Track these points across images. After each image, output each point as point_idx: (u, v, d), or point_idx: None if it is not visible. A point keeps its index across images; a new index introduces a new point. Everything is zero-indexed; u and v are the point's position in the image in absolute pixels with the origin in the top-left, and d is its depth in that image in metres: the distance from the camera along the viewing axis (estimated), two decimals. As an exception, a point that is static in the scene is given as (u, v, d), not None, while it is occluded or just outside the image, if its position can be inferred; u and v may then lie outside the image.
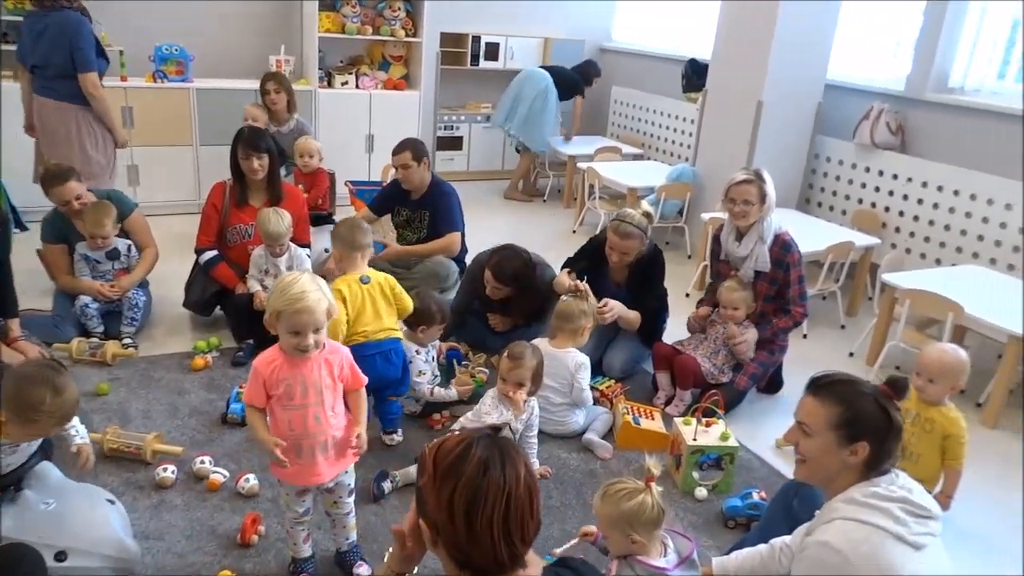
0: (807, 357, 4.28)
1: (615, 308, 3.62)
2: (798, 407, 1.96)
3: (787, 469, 3.19)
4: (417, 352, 3.29)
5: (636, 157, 7.18)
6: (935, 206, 4.89)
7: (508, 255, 3.81)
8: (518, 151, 7.30)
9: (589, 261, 3.85)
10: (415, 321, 3.30)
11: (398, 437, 3.18)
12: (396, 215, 4.76)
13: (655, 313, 3.89)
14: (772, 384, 3.84)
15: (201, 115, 5.72)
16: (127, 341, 3.77)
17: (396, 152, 4.47)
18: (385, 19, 6.49)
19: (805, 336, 4.54)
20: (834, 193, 5.59)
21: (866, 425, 1.83)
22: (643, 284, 3.79)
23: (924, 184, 4.95)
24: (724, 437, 2.99)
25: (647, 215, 3.63)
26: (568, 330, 3.33)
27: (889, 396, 1.86)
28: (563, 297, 3.47)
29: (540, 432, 3.26)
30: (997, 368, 3.71)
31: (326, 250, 4.88)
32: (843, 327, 4.76)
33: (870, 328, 4.30)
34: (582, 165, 6.32)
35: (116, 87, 5.47)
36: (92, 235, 3.77)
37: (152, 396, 3.40)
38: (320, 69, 6.31)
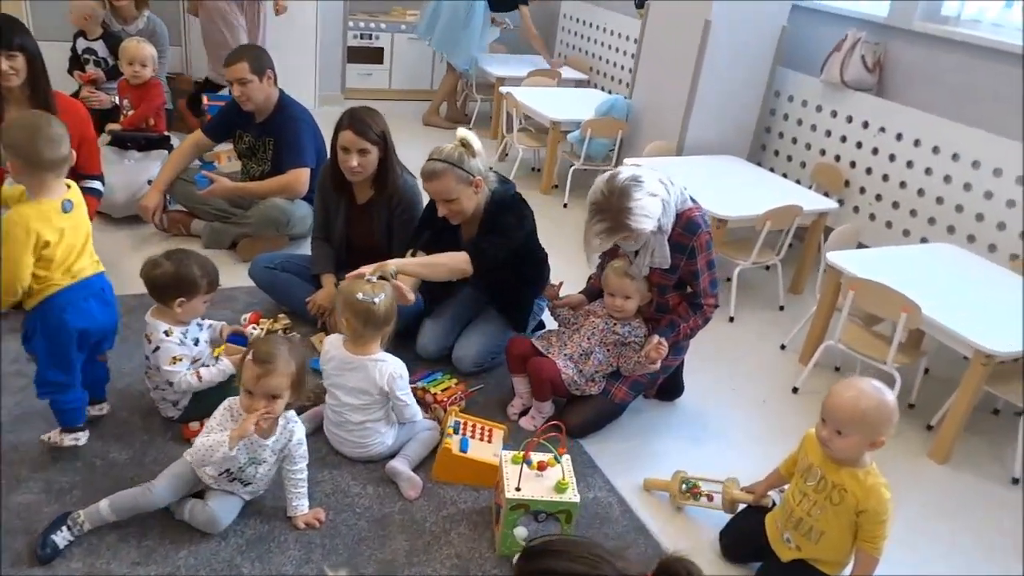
0: (729, 348, 3.44)
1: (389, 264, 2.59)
2: None
3: (655, 525, 2.37)
4: (168, 333, 2.39)
5: (579, 83, 6.16)
6: (909, 164, 3.95)
7: (363, 109, 2.99)
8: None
9: (433, 225, 2.94)
10: (171, 291, 2.39)
11: (108, 407, 2.50)
12: (239, 141, 3.83)
13: (513, 287, 2.99)
14: (667, 389, 2.98)
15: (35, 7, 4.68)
16: None
17: (229, 63, 3.52)
18: None
19: (732, 319, 3.67)
20: (794, 140, 4.63)
21: None
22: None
23: (899, 136, 4.00)
24: (561, 488, 2.14)
25: (464, 143, 2.70)
26: (370, 334, 2.43)
27: None
28: (358, 294, 2.47)
29: (335, 453, 2.45)
30: (959, 381, 2.85)
31: (149, 181, 3.96)
32: (782, 308, 3.87)
33: (810, 316, 3.43)
34: (504, 90, 5.31)
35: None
36: None
37: None
38: (189, -46, 5.22)
